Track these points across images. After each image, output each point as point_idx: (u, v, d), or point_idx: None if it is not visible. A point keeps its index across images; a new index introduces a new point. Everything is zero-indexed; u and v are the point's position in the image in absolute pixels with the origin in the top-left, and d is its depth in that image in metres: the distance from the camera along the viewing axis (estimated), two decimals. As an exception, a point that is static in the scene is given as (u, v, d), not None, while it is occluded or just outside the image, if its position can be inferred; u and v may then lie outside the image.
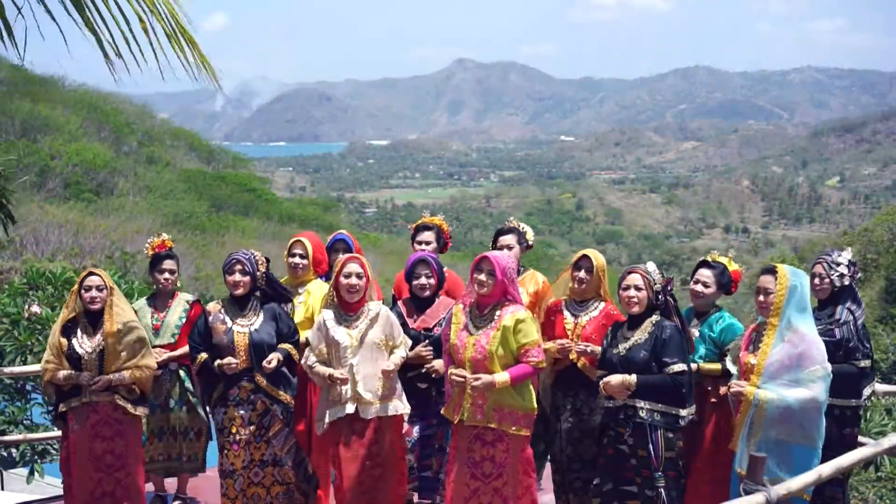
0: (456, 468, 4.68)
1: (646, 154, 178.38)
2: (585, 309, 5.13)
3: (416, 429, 5.35)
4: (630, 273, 4.73)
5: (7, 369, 7.01)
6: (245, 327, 5.00)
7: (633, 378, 4.54)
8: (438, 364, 5.09)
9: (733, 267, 5.20)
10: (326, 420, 4.90)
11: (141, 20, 3.99)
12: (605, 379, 4.60)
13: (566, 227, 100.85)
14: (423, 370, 5.20)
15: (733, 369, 4.72)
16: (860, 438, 5.61)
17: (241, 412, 4.96)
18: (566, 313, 5.15)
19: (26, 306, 7.91)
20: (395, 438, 4.97)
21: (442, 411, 4.83)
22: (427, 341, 5.21)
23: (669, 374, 4.53)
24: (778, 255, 35.49)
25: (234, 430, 4.97)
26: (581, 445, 5.06)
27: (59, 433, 5.52)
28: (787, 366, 4.38)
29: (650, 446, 4.55)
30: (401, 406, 4.95)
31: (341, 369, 4.83)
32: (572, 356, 5.03)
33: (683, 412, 4.56)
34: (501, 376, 4.52)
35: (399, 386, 5.00)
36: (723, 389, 4.71)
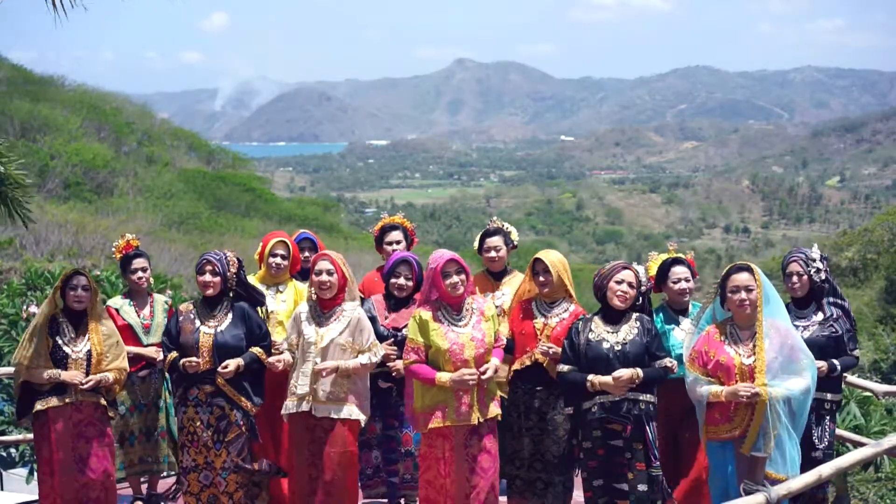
0: (456, 467, 4.68)
1: (646, 154, 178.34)
2: (554, 310, 5.09)
3: (378, 426, 5.37)
4: (626, 269, 4.78)
5: (6, 369, 7.00)
6: (211, 328, 4.99)
7: (640, 371, 4.59)
8: (402, 364, 5.06)
9: (685, 256, 5.33)
10: (283, 411, 5.00)
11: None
12: (616, 374, 4.56)
13: (566, 227, 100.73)
14: (385, 369, 5.25)
15: (693, 373, 4.61)
16: (860, 438, 5.62)
17: (200, 414, 4.96)
18: (536, 313, 5.11)
19: (24, 307, 7.91)
20: (347, 444, 4.92)
21: (436, 424, 4.67)
22: (392, 340, 5.22)
23: (662, 367, 4.67)
24: (779, 255, 35.42)
25: (192, 430, 4.98)
26: (542, 445, 5.04)
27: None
28: (783, 361, 4.43)
29: (648, 437, 4.62)
30: (355, 412, 4.92)
31: (304, 365, 4.89)
32: (536, 355, 4.99)
33: (654, 399, 4.72)
34: (497, 362, 4.75)
35: (360, 392, 4.98)
36: (713, 394, 4.58)
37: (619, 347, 4.65)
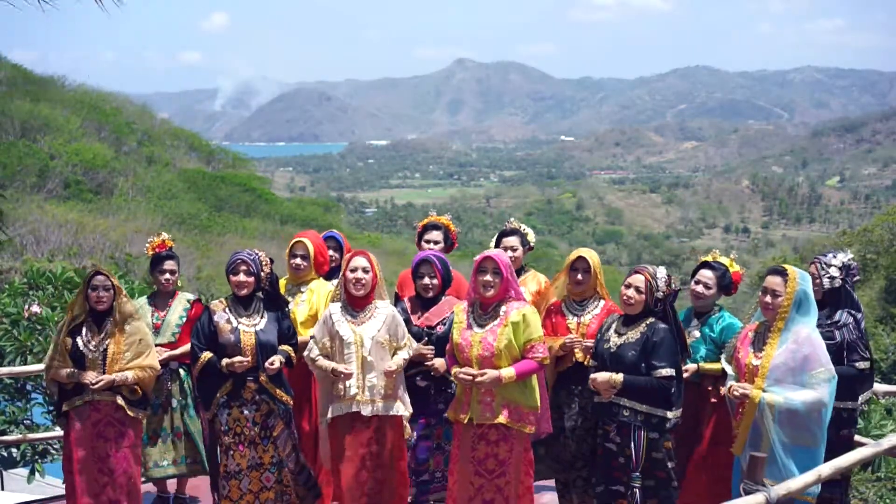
0: (459, 467, 4.70)
1: (646, 154, 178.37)
2: (586, 308, 5.12)
3: (417, 427, 5.34)
4: (636, 273, 4.70)
5: (7, 369, 7.01)
6: (251, 327, 4.98)
7: (619, 377, 4.53)
8: (439, 362, 5.10)
9: (734, 268, 5.21)
10: (329, 416, 4.94)
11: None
12: (593, 375, 4.60)
13: (566, 227, 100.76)
14: (423, 368, 5.22)
15: (729, 369, 4.68)
16: (860, 439, 5.61)
17: (246, 412, 4.96)
18: (567, 314, 5.15)
19: (27, 306, 7.90)
20: (395, 439, 4.97)
21: (447, 414, 4.86)
22: (427, 339, 5.22)
23: (656, 377, 4.50)
24: (779, 255, 35.43)
25: (239, 431, 4.96)
26: (584, 444, 5.07)
27: (59, 433, 5.49)
28: (792, 368, 4.35)
29: (632, 445, 4.56)
30: (402, 408, 4.95)
31: (344, 365, 4.85)
32: (578, 355, 5.02)
33: (670, 414, 4.54)
34: (507, 371, 4.58)
35: (402, 388, 5.00)
36: (722, 390, 4.69)
37: (614, 349, 4.62)
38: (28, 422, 7.52)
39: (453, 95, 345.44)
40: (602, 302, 5.13)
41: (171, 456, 5.67)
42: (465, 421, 4.65)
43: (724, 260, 5.24)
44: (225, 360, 4.89)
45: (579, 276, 5.07)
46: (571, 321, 5.11)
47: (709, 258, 5.26)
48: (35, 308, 7.85)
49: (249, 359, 4.90)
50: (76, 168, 32.81)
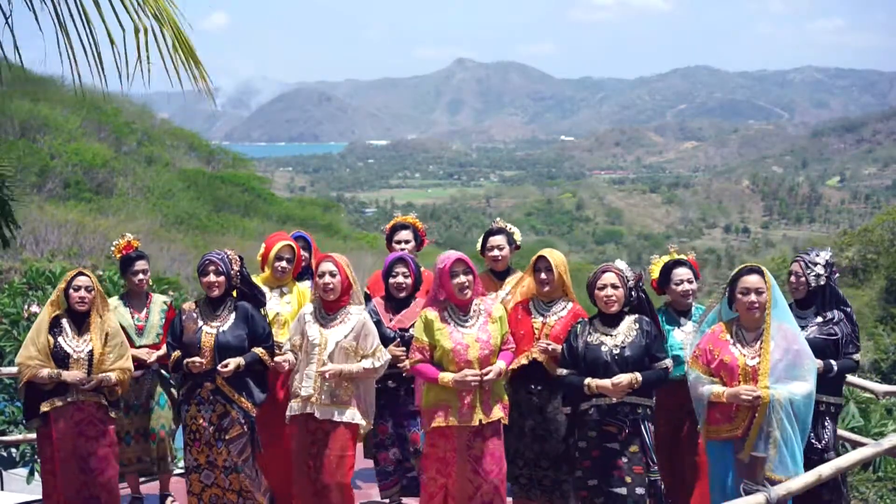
0: (458, 468, 4.68)
1: (646, 154, 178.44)
2: (552, 309, 5.07)
3: (389, 426, 5.39)
4: (605, 272, 4.72)
5: (7, 369, 7.00)
6: (214, 328, 5.00)
7: (639, 376, 4.54)
8: (409, 364, 5.06)
9: (685, 257, 5.32)
10: (288, 414, 4.98)
11: (143, 29, 3.98)
12: (615, 379, 4.51)
13: (566, 227, 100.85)
14: (396, 369, 5.22)
15: (696, 372, 4.57)
16: (860, 439, 5.62)
17: (202, 411, 4.97)
18: (534, 312, 5.09)
19: (26, 306, 7.91)
20: (343, 446, 4.90)
21: (438, 423, 4.69)
22: (399, 340, 5.24)
23: (662, 369, 4.62)
24: (779, 255, 35.41)
25: (195, 428, 4.99)
26: (547, 444, 5.03)
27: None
28: (788, 364, 4.38)
29: (646, 439, 4.59)
30: (357, 416, 4.91)
31: (308, 367, 4.89)
32: (535, 354, 4.96)
33: (652, 404, 4.69)
34: (502, 364, 4.70)
35: (363, 396, 4.97)
36: (718, 394, 4.58)
37: (618, 351, 4.60)
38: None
39: (453, 95, 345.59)
40: (570, 305, 5.08)
41: (148, 455, 5.64)
42: (477, 423, 4.64)
43: (673, 256, 5.31)
44: (185, 360, 4.93)
45: (542, 276, 5.04)
46: (537, 320, 5.05)
47: (661, 261, 5.30)
48: (34, 308, 7.86)
49: (205, 360, 4.91)
50: (76, 168, 32.75)
